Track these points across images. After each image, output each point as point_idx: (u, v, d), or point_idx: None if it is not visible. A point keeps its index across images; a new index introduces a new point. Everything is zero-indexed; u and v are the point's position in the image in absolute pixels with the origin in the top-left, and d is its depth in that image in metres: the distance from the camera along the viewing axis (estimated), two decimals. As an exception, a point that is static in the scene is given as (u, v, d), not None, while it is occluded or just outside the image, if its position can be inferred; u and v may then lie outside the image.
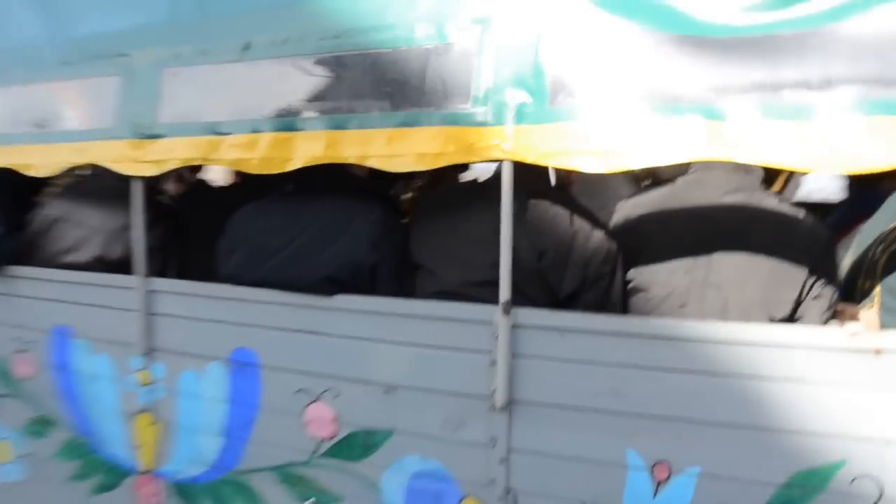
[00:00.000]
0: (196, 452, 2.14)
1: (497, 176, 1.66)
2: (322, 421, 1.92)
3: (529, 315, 1.66)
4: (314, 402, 1.92)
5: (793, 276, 1.60)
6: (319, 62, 1.84)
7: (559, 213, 1.73)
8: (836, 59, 1.31)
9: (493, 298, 1.66)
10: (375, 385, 1.85)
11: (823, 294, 1.61)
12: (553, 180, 1.92)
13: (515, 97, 1.57)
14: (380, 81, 1.73)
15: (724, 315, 1.65)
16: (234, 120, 1.93)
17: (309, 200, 1.98)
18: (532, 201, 1.73)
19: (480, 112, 1.61)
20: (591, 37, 1.53)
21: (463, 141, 1.63)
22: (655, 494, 1.59)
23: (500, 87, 1.59)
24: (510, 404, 1.67)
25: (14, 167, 2.32)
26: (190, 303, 2.10)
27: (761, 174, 1.76)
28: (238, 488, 2.09)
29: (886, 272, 1.56)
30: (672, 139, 1.42)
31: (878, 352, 1.36)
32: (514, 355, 1.66)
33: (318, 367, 1.91)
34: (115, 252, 2.32)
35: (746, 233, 1.66)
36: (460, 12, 1.64)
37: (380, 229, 1.89)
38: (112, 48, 2.14)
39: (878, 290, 1.58)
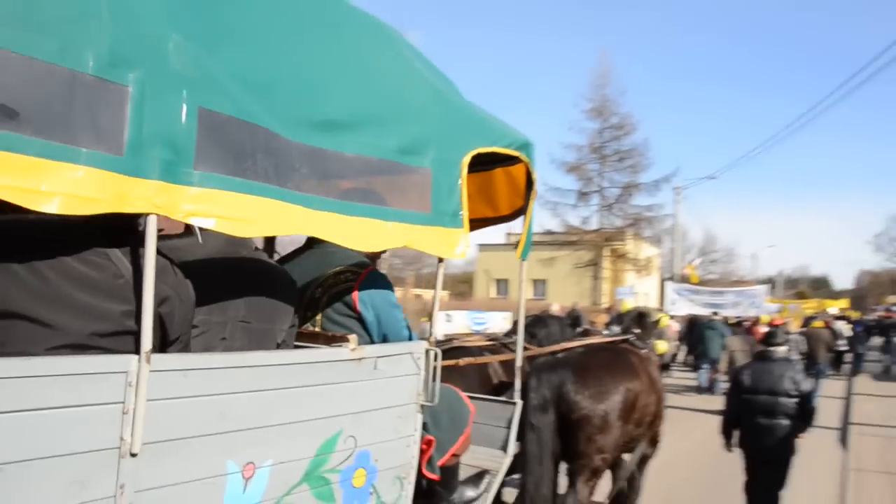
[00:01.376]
0: None
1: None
2: None
3: (165, 360, 1.81)
4: None
5: (287, 310, 2.41)
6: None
7: (166, 263, 1.91)
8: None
9: (123, 348, 1.74)
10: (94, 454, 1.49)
11: (296, 323, 2.48)
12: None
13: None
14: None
15: (252, 344, 2.27)
16: None
17: None
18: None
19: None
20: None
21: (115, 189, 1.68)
22: (245, 490, 2.06)
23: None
24: (141, 448, 1.76)
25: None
26: None
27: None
28: None
29: (327, 306, 2.58)
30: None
31: (360, 359, 2.40)
32: (148, 400, 1.77)
33: None
34: None
35: (255, 278, 2.35)
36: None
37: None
38: None
39: (319, 317, 2.58)
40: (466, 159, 2.82)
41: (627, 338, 5.92)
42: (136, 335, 1.74)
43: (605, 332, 8.32)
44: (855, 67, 44.07)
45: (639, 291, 33.63)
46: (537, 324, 5.62)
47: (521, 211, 3.71)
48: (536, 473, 4.19)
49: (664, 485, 6.73)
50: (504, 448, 3.45)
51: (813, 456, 7.77)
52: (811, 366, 14.61)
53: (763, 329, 13.85)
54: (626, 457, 5.16)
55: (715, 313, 19.18)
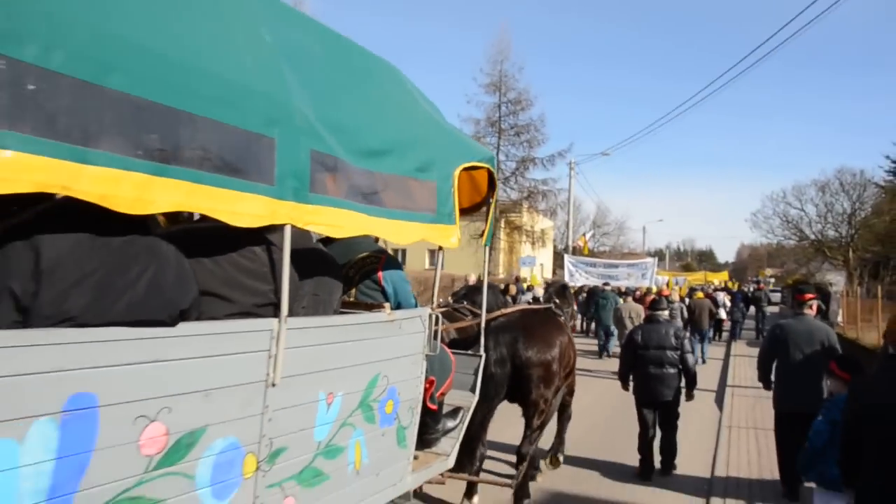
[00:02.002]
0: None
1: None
2: (155, 439, 2.20)
3: (293, 322, 2.73)
4: (151, 423, 2.18)
5: (338, 285, 3.34)
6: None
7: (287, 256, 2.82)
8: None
9: (270, 314, 2.66)
10: (197, 393, 2.35)
11: (341, 295, 3.42)
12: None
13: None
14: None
15: (318, 311, 3.20)
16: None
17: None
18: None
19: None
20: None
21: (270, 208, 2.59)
22: (327, 412, 3.02)
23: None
24: (279, 381, 2.69)
25: None
26: (12, 356, 1.77)
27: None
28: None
29: (359, 283, 3.54)
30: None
31: (392, 320, 3.39)
32: (284, 348, 2.69)
33: (156, 391, 2.19)
34: None
35: (319, 262, 3.26)
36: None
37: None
38: None
39: (353, 291, 3.54)
40: (457, 172, 3.83)
41: (550, 306, 7.16)
42: (277, 305, 2.66)
43: (526, 300, 9.63)
44: (741, 54, 47.67)
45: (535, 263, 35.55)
46: (475, 292, 6.72)
47: (479, 206, 4.75)
48: (484, 410, 5.30)
49: (573, 434, 8.05)
50: (473, 390, 4.53)
51: (694, 415, 9.34)
52: (696, 332, 16.69)
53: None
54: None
55: (606, 284, 21.13)
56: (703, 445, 8.52)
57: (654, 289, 20.82)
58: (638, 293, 19.86)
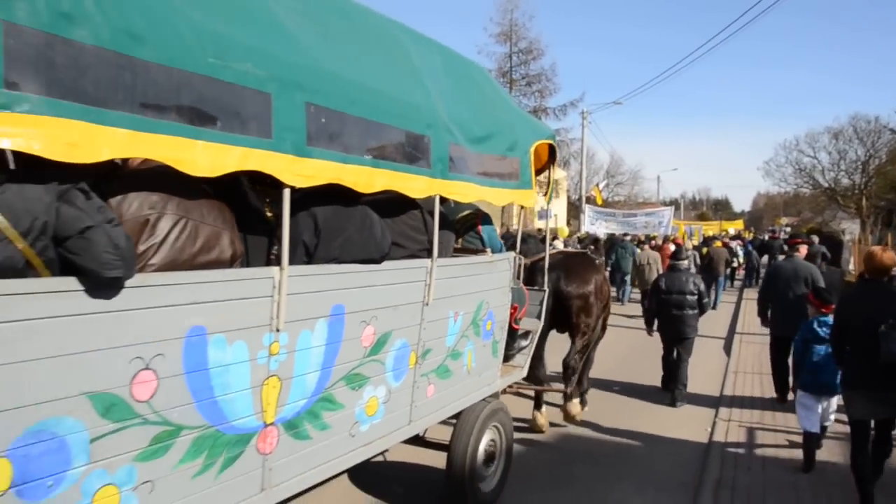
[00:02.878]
0: (302, 391, 3.09)
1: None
2: (368, 336, 3.51)
3: (441, 262, 4.00)
4: (367, 325, 3.48)
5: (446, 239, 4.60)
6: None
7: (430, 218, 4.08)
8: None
9: (426, 256, 3.94)
10: (389, 308, 3.66)
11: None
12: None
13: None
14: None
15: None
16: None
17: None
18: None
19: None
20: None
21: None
22: (455, 324, 4.31)
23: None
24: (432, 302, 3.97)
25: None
26: (308, 281, 3.05)
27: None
28: (325, 402, 3.24)
29: (464, 233, 4.82)
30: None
31: (492, 261, 4.66)
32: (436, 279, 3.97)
33: (370, 305, 3.49)
34: (240, 248, 2.71)
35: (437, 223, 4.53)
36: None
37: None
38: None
39: (461, 240, 4.81)
40: (532, 148, 5.05)
41: (586, 251, 8.45)
42: (430, 250, 3.93)
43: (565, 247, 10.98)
44: (748, 4, 47.46)
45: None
46: (528, 240, 8.00)
47: (541, 171, 5.96)
48: (542, 334, 6.65)
49: (604, 366, 9.42)
50: (539, 317, 5.84)
51: (704, 362, 10.48)
52: (713, 279, 17.97)
53: (670, 247, 17.03)
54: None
55: (626, 235, 22.38)
56: (710, 389, 9.37)
57: (671, 237, 22.09)
58: (654, 242, 21.11)
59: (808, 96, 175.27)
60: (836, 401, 6.03)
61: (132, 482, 2.40)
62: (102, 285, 2.20)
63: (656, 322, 8.91)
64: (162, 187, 2.56)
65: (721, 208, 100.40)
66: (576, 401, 7.25)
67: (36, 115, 1.95)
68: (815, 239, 16.17)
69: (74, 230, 2.08)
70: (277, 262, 2.95)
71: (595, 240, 9.69)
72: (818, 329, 6.01)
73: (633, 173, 62.67)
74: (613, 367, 10.07)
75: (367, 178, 3.29)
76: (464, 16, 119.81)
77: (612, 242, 21.84)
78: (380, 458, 5.57)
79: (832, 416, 6.19)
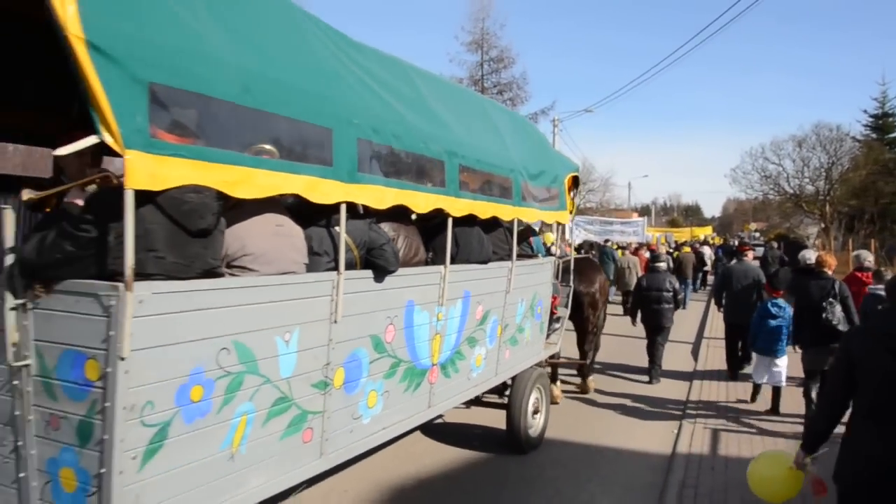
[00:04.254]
0: (449, 345, 5.01)
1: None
2: (479, 312, 5.43)
3: (516, 263, 5.96)
4: (479, 305, 5.41)
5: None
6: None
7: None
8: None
9: (508, 259, 5.91)
10: (492, 293, 5.59)
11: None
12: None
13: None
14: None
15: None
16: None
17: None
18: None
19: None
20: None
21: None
22: (516, 310, 6.26)
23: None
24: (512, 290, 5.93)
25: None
26: (455, 275, 4.97)
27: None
28: (458, 354, 5.17)
29: (519, 244, 6.79)
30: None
31: (542, 263, 6.65)
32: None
33: (483, 291, 5.42)
34: (425, 254, 4.65)
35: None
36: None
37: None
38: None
39: (516, 248, 6.80)
40: (567, 181, 7.05)
41: (588, 255, 10.56)
42: (510, 255, 5.88)
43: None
44: (724, 7, 50.15)
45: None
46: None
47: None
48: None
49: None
50: (566, 306, 7.83)
51: (672, 365, 11.68)
52: (681, 281, 20.22)
53: (645, 253, 19.46)
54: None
55: (607, 241, 24.66)
56: (677, 391, 10.23)
57: (645, 244, 24.47)
58: (632, 248, 23.36)
59: (778, 98, 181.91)
60: (781, 363, 8.20)
61: (381, 390, 4.31)
62: (383, 275, 4.11)
63: (639, 314, 10.97)
64: (395, 218, 4.49)
65: (692, 214, 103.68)
66: (590, 377, 9.33)
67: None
68: (774, 244, 18.62)
69: (377, 244, 3.99)
70: (433, 262, 4.90)
71: (591, 244, 11.74)
72: (771, 308, 8.33)
73: (605, 180, 64.46)
74: (606, 352, 12.08)
75: (481, 209, 5.24)
76: (434, 26, 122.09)
77: (593, 248, 24.15)
78: (440, 421, 7.36)
79: (784, 379, 8.25)
